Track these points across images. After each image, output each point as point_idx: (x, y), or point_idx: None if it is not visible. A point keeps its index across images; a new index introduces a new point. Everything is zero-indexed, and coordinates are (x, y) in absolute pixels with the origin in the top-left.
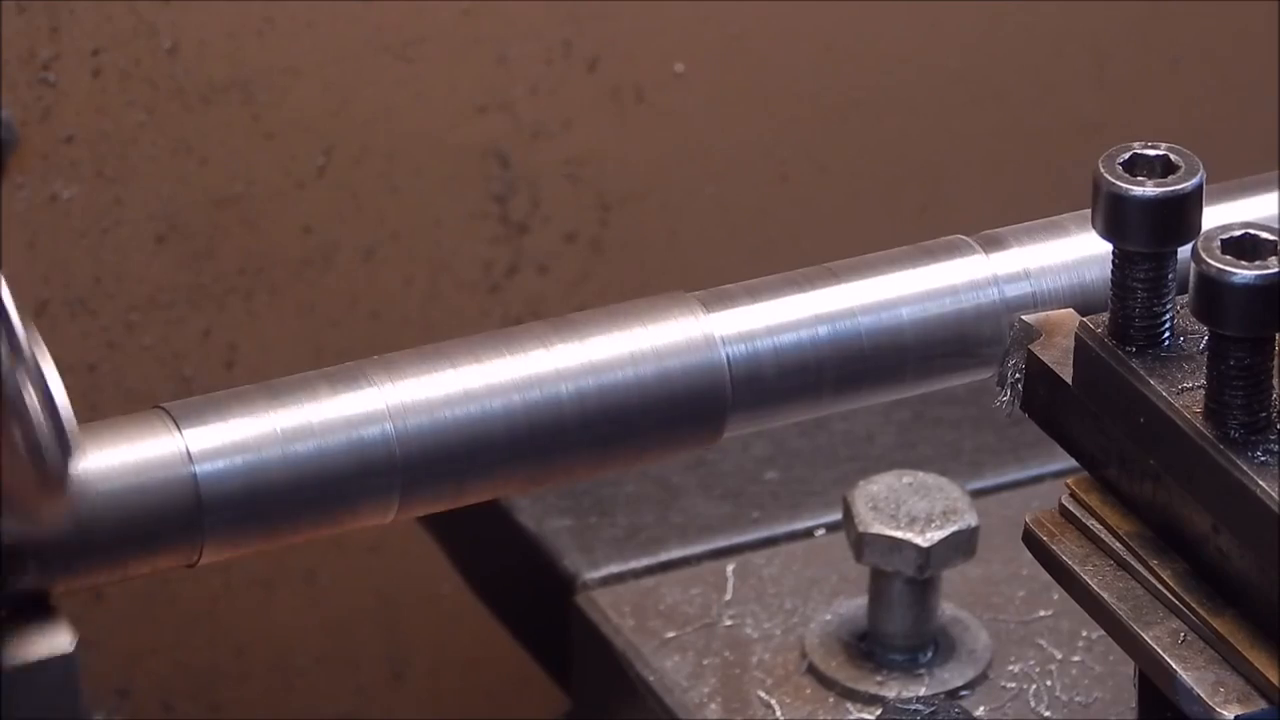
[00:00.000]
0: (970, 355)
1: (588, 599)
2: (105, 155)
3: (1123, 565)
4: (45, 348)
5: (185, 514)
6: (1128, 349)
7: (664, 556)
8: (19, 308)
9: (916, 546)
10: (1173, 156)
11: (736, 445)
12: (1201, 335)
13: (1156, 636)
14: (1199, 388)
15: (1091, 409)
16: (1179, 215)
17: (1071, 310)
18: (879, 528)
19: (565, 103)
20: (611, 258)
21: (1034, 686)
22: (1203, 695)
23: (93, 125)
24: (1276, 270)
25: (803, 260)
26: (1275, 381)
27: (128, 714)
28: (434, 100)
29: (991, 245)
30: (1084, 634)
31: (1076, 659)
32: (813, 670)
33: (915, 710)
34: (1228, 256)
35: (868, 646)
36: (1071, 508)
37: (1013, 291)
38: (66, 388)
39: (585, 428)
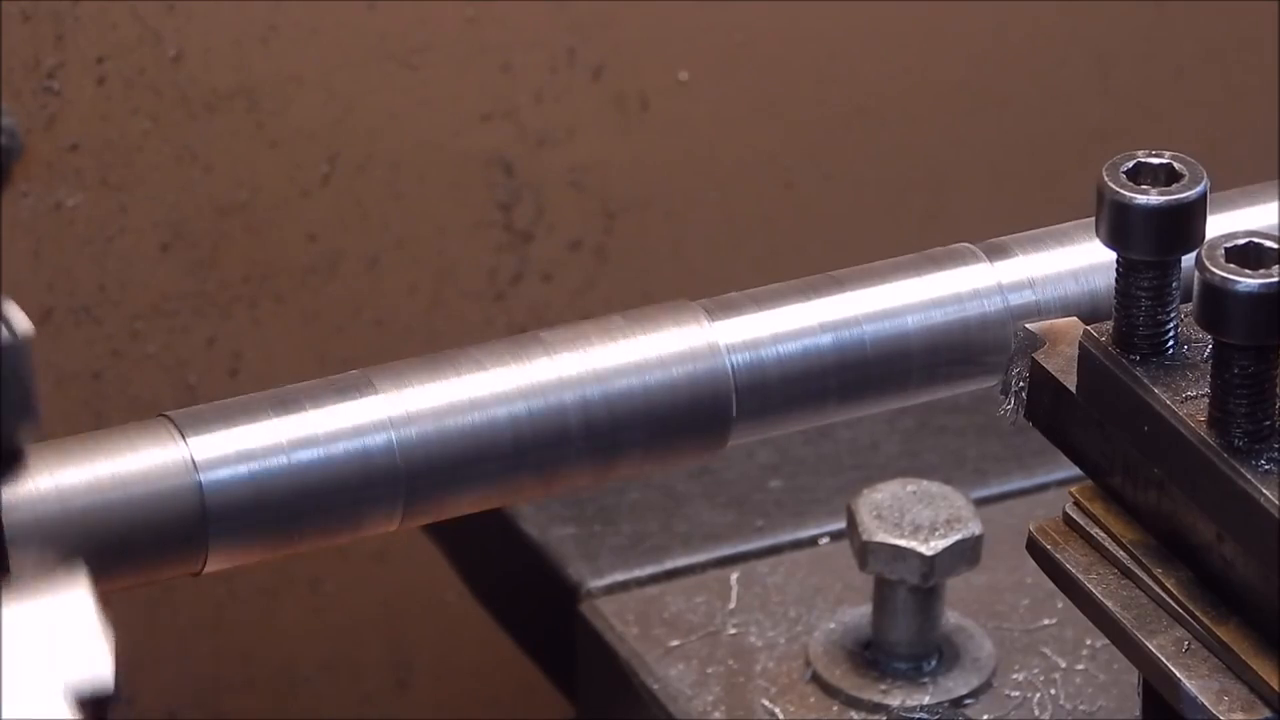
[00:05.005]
0: (975, 363)
1: (592, 607)
2: (110, 163)
3: (1127, 574)
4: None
5: (190, 522)
6: (1132, 357)
7: (668, 565)
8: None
9: (920, 555)
10: (1176, 165)
11: (741, 453)
12: (1205, 343)
13: (1160, 645)
14: (1203, 396)
15: (1095, 417)
16: (1183, 224)
17: (1075, 319)
18: (883, 536)
19: (569, 111)
20: (616, 266)
21: (1038, 695)
22: (1207, 704)
23: (97, 133)
24: None
25: (807, 268)
26: (1279, 390)
27: None
28: (438, 108)
29: (996, 253)
30: (1088, 642)
31: (1080, 667)
32: (817, 679)
33: (919, 719)
34: (1232, 265)
35: (872, 655)
36: (1075, 516)
37: (1017, 300)
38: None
39: (589, 436)
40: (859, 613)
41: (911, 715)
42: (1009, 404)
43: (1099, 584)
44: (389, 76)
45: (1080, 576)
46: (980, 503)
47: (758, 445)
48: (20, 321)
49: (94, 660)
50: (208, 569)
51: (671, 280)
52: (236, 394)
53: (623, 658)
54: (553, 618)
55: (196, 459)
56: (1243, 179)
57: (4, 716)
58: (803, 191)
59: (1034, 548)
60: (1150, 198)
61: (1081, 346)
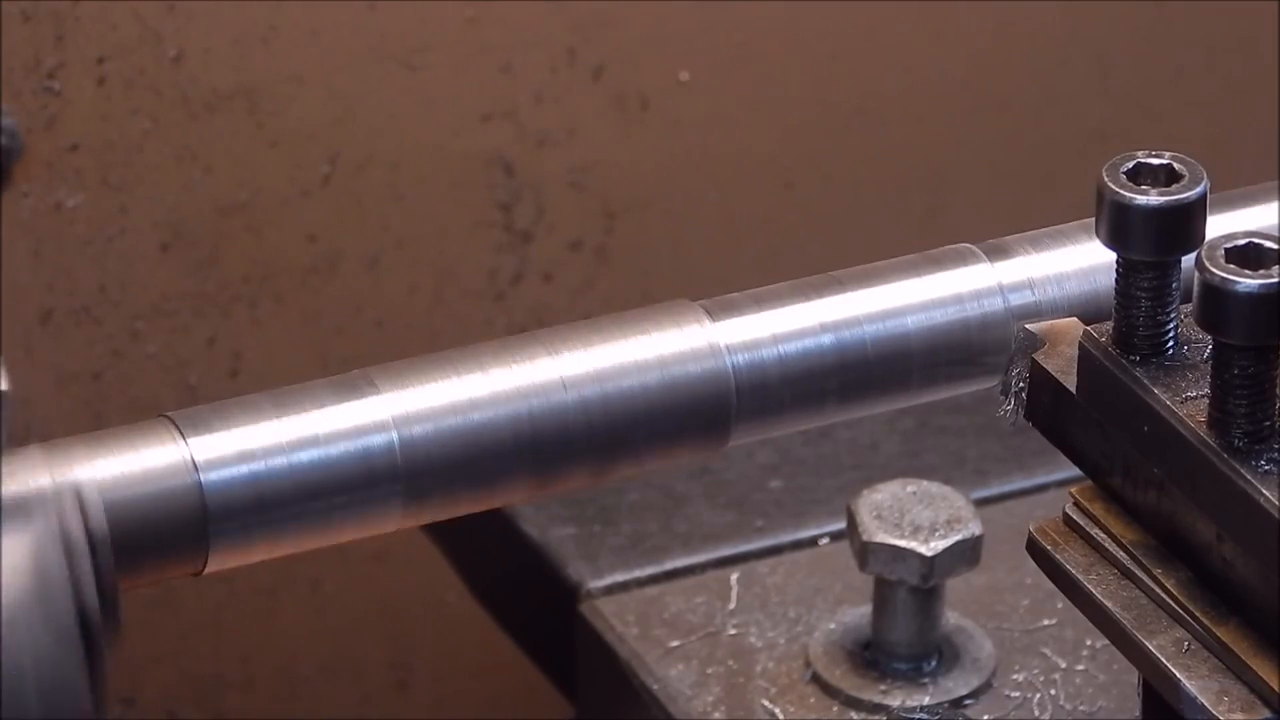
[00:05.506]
0: (975, 364)
1: (592, 607)
2: (110, 163)
3: (1126, 574)
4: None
5: (190, 523)
6: (1132, 358)
7: (668, 565)
8: None
9: (920, 555)
10: (1176, 165)
11: (741, 453)
12: (1205, 344)
13: (1160, 645)
14: (1203, 396)
15: (1095, 418)
16: (1183, 224)
17: (1075, 319)
18: (883, 536)
19: (570, 111)
20: (616, 266)
21: (1038, 695)
22: (1207, 704)
23: (97, 133)
24: None
25: (808, 268)
26: (1279, 390)
27: None
28: (439, 108)
29: (996, 254)
30: (1088, 643)
31: (1080, 668)
32: (817, 679)
33: (919, 719)
34: (1232, 265)
35: (872, 655)
36: (1075, 516)
37: (1017, 300)
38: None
39: (590, 436)
40: (859, 613)
41: (911, 715)
42: (1009, 404)
43: (1099, 584)
44: (389, 76)
45: (1080, 577)
46: (980, 503)
47: (758, 445)
48: None
49: None
50: (208, 569)
51: (672, 280)
52: (236, 394)
53: (623, 658)
54: (553, 618)
55: (197, 459)
56: (1243, 179)
57: None
58: (803, 191)
59: (1034, 548)
60: (1150, 198)
61: (1081, 347)
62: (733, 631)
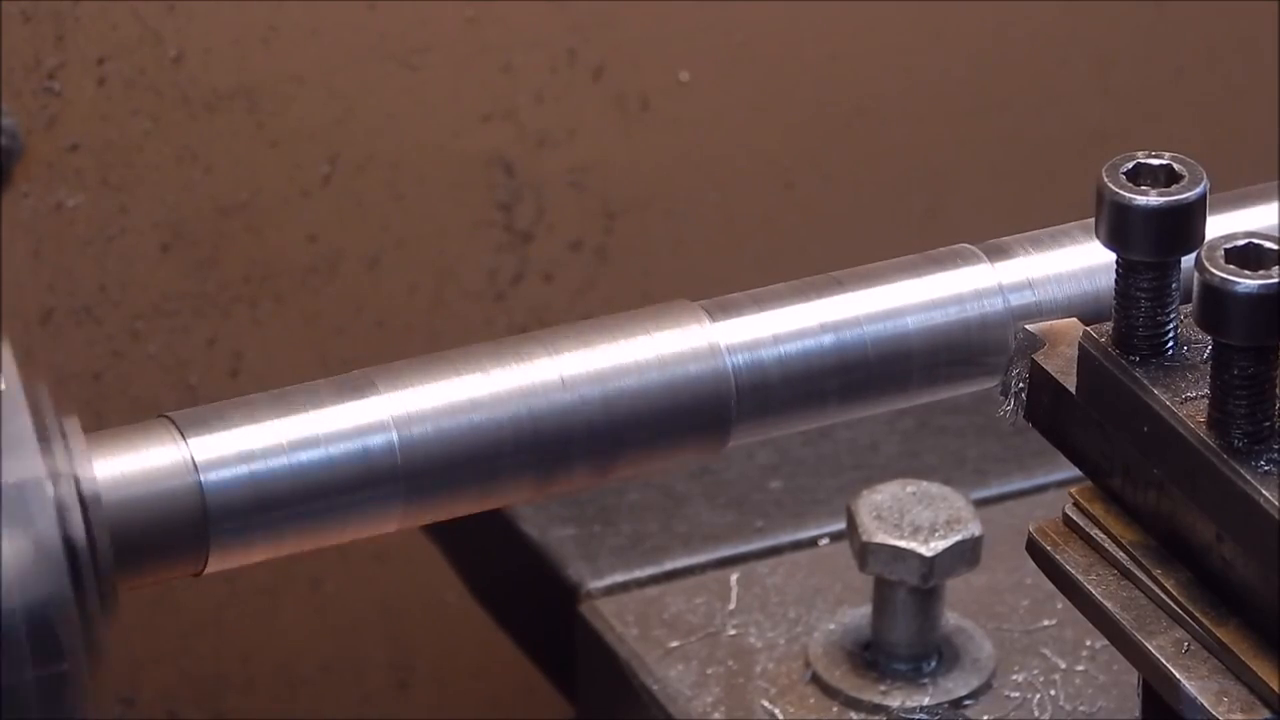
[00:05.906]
0: (975, 364)
1: (592, 608)
2: (110, 163)
3: (1126, 575)
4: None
5: (190, 523)
6: (1131, 358)
7: (668, 565)
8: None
9: (920, 556)
10: (1176, 166)
11: (741, 454)
12: (1205, 344)
13: (1160, 646)
14: (1203, 397)
15: (1095, 418)
16: (1182, 224)
17: (1075, 319)
18: (883, 537)
19: (570, 111)
20: (616, 266)
21: (1038, 696)
22: (1206, 704)
23: (98, 133)
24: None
25: (808, 268)
26: (1279, 390)
27: None
28: (439, 109)
29: (996, 254)
30: (1088, 643)
31: (1080, 668)
32: (816, 679)
33: (919, 719)
34: (1231, 266)
35: (871, 656)
36: (1075, 517)
37: (1017, 300)
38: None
39: (590, 436)
40: (859, 614)
41: (911, 716)
42: (1009, 405)
43: (1099, 585)
44: (389, 76)
45: (1080, 577)
46: (980, 503)
47: (758, 445)
48: None
49: None
50: (208, 569)
51: (672, 280)
52: (237, 394)
53: (623, 658)
54: (553, 618)
55: (197, 459)
56: (1243, 179)
57: None
58: (803, 192)
59: (1034, 549)
60: (1150, 199)
61: (1081, 347)
62: (733, 632)
